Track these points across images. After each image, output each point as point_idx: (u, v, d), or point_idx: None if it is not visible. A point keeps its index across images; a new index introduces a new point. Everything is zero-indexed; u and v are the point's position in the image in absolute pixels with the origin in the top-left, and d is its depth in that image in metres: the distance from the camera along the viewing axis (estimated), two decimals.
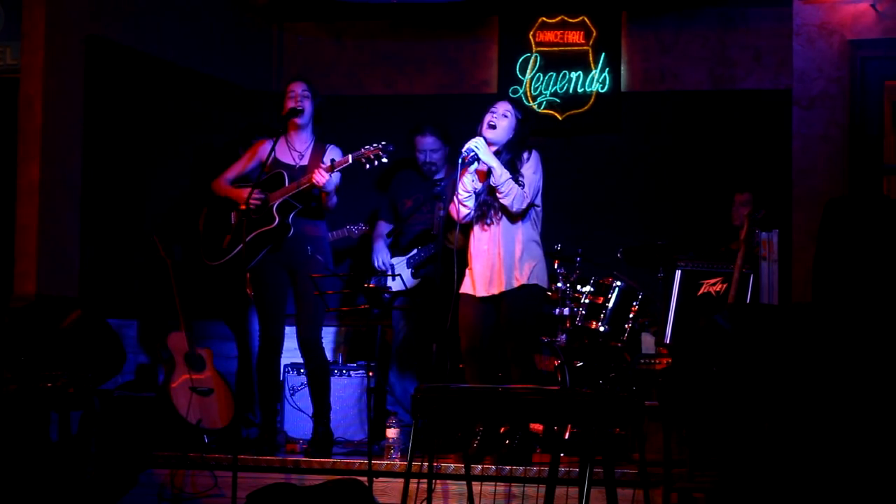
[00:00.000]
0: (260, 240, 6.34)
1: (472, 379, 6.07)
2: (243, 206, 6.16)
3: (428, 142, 7.12)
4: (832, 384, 3.26)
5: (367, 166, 6.18)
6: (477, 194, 6.08)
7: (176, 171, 7.54)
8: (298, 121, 6.38)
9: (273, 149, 6.31)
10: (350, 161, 6.17)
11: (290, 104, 6.34)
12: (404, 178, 7.31)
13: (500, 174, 5.96)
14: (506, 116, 6.07)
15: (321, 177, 6.14)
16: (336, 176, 6.28)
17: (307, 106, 6.36)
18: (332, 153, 6.35)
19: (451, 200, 6.12)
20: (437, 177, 7.11)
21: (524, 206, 6.01)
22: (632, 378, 6.47)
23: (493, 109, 6.10)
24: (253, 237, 6.29)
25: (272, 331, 6.50)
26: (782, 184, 7.10)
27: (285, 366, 7.03)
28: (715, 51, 7.91)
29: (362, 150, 6.18)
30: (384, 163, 6.18)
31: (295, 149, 6.43)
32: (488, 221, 6.06)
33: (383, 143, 6.15)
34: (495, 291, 6.04)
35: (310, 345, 6.41)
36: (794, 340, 3.34)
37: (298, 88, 6.36)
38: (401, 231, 7.22)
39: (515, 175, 5.99)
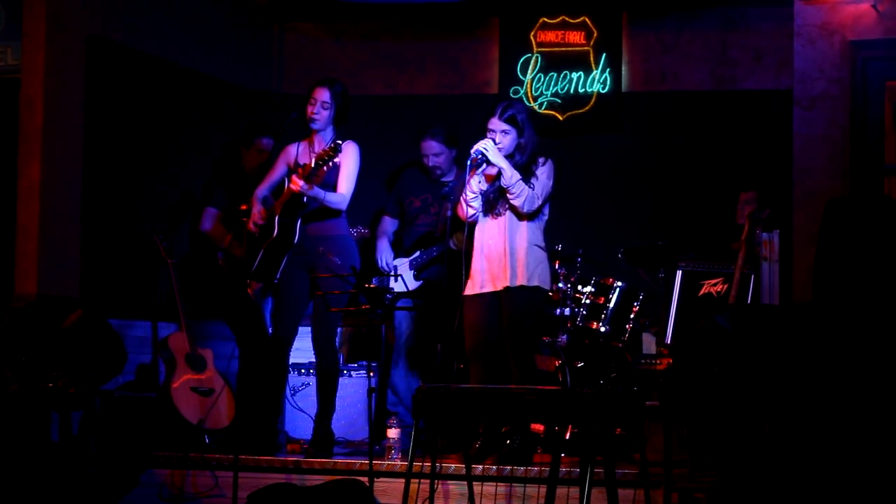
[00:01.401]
0: (272, 251, 6.35)
1: (476, 379, 6.06)
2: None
3: (432, 146, 7.08)
4: (833, 385, 3.26)
5: (325, 166, 6.14)
6: (485, 191, 6.08)
7: (176, 171, 7.54)
8: (312, 127, 6.40)
9: (283, 151, 6.42)
10: (313, 165, 6.16)
11: (308, 110, 6.34)
12: (413, 177, 7.26)
13: (511, 175, 5.96)
14: (506, 133, 6.02)
15: (294, 184, 6.14)
16: (347, 182, 6.27)
17: (323, 115, 6.33)
18: (346, 151, 6.31)
19: (459, 201, 6.12)
20: (444, 179, 7.09)
21: (535, 207, 6.01)
22: (633, 378, 6.47)
23: (490, 129, 6.04)
24: (264, 252, 6.32)
25: (282, 331, 6.52)
26: (783, 184, 7.10)
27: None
28: (716, 51, 7.91)
29: (318, 151, 6.21)
30: (336, 163, 6.18)
31: (314, 151, 6.42)
32: (497, 212, 6.06)
33: (338, 141, 6.13)
34: (500, 286, 6.03)
35: (323, 345, 6.44)
36: (795, 341, 3.34)
37: (320, 96, 6.33)
38: (405, 232, 7.22)
39: (527, 177, 5.99)
